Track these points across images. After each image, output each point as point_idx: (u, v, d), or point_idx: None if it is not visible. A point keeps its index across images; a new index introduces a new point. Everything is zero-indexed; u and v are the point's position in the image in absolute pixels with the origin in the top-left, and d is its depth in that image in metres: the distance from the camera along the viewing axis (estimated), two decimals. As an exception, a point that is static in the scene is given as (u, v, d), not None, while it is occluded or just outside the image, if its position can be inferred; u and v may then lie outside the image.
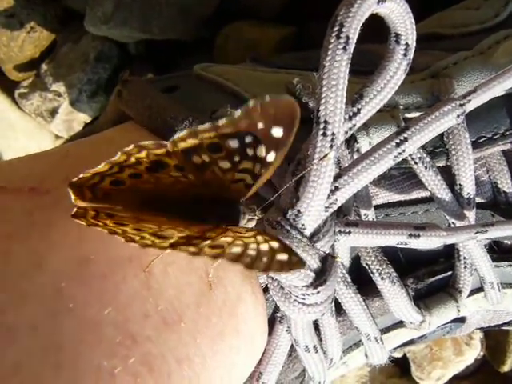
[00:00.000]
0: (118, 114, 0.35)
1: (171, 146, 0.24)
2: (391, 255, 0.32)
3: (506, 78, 0.29)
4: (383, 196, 0.32)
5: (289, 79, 0.32)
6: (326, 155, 0.25)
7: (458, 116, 0.28)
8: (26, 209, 0.26)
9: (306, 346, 0.30)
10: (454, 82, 0.31)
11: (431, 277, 0.34)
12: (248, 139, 0.23)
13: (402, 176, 0.32)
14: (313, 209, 0.26)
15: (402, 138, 0.27)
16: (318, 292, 0.27)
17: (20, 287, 0.23)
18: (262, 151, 0.24)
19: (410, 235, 0.29)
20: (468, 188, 0.31)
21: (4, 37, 0.53)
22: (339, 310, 0.32)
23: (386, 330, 0.34)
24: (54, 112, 0.55)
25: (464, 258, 0.33)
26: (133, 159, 0.24)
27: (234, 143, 0.24)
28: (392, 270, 0.32)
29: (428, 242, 0.30)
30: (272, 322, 0.31)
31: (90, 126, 0.41)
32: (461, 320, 0.37)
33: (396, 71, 0.27)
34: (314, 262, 0.27)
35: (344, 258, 0.31)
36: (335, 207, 0.27)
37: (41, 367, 0.22)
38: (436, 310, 0.33)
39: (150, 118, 0.31)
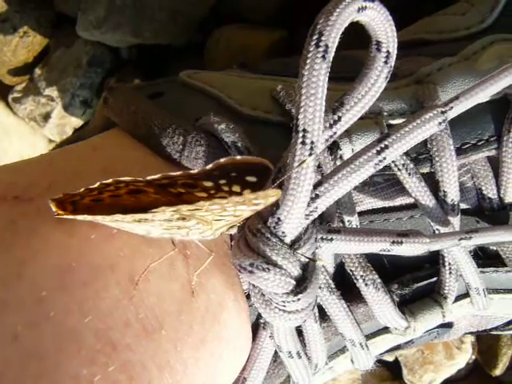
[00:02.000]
0: (105, 120, 0.35)
1: (145, 183, 0.24)
2: (376, 261, 0.32)
3: (488, 85, 0.29)
4: (367, 202, 0.32)
5: (273, 86, 0.32)
6: (303, 162, 0.25)
7: (440, 123, 0.28)
8: (8, 217, 0.26)
9: (289, 352, 0.30)
10: (438, 89, 0.31)
11: (416, 282, 0.34)
12: (222, 181, 0.23)
13: (386, 182, 0.32)
14: (293, 216, 0.26)
15: (382, 146, 0.27)
16: (299, 299, 0.27)
17: (0, 296, 0.23)
18: (237, 188, 0.24)
19: (393, 242, 0.29)
20: (452, 194, 0.31)
21: (-3, 42, 0.53)
22: (323, 315, 0.32)
23: (371, 336, 0.34)
24: (47, 116, 0.55)
25: (449, 263, 0.33)
26: (112, 187, 0.24)
27: (208, 183, 0.23)
28: (376, 276, 0.32)
29: (411, 249, 0.30)
30: (256, 328, 0.31)
31: (78, 133, 0.41)
32: (448, 325, 0.37)
33: (377, 79, 0.27)
34: (294, 270, 0.27)
35: (328, 265, 0.31)
36: (316, 215, 0.27)
37: (21, 377, 0.22)
38: (421, 316, 0.33)
39: (134, 124, 0.31)
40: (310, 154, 0.25)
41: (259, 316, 0.31)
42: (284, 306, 0.27)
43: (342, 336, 0.32)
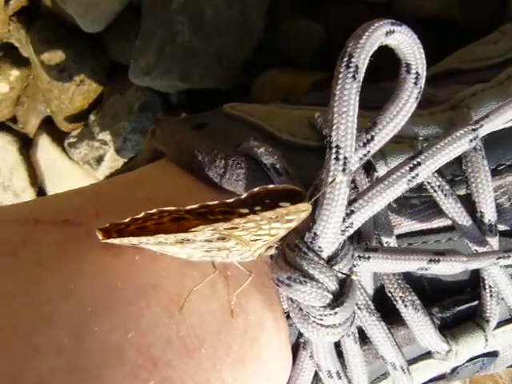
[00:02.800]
0: (152, 152, 0.37)
1: (186, 212, 0.25)
2: (416, 284, 0.33)
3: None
4: (405, 225, 0.32)
5: (312, 114, 0.34)
6: (336, 177, 0.26)
7: (471, 140, 0.29)
8: (58, 240, 0.27)
9: (329, 372, 0.31)
10: (472, 113, 0.32)
11: (457, 306, 0.34)
12: (257, 208, 0.25)
13: (423, 205, 0.32)
14: (328, 231, 0.27)
15: (415, 163, 0.28)
16: (336, 313, 0.27)
17: (48, 312, 0.25)
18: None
19: (430, 260, 0.30)
20: (489, 215, 0.31)
21: (56, 90, 0.56)
22: (364, 338, 0.32)
23: (413, 361, 0.34)
24: (100, 159, 0.58)
25: (489, 286, 0.33)
26: (156, 216, 0.26)
27: (243, 210, 0.25)
28: (415, 297, 0.32)
29: (449, 268, 0.30)
30: (296, 348, 0.32)
31: (128, 165, 0.43)
32: (493, 354, 0.37)
33: (408, 99, 0.28)
34: (331, 284, 0.27)
35: (367, 286, 0.32)
36: (351, 231, 0.28)
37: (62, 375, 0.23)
38: (463, 340, 0.33)
39: (179, 152, 0.33)
40: (344, 170, 0.27)
41: (299, 336, 0.31)
42: (321, 319, 0.27)
43: (382, 359, 0.33)
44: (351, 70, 0.26)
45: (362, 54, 0.26)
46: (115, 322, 0.25)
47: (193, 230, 0.24)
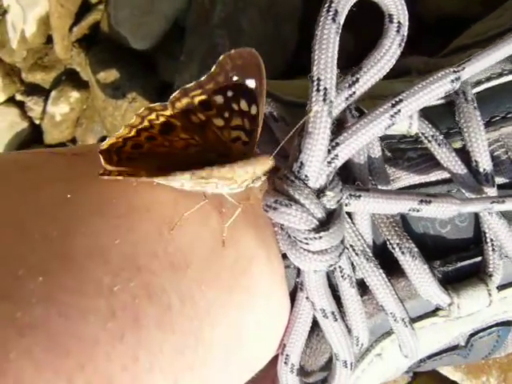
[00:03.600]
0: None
1: (170, 106, 0.28)
2: (418, 240, 0.33)
3: (500, 47, 0.31)
4: (404, 178, 0.33)
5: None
6: (310, 110, 0.28)
7: (453, 81, 0.30)
8: (67, 162, 0.30)
9: (323, 311, 0.31)
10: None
11: (460, 261, 0.34)
12: (229, 93, 0.27)
13: (421, 158, 0.34)
14: (313, 159, 0.29)
15: (397, 100, 0.30)
16: (321, 237, 0.28)
17: (44, 211, 0.27)
18: (244, 105, 0.28)
19: (422, 201, 0.31)
20: (484, 164, 0.32)
21: (110, 107, 0.61)
22: (365, 289, 0.33)
23: (417, 319, 0.34)
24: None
25: (491, 239, 0.33)
26: (146, 122, 0.29)
27: (219, 99, 0.28)
28: (413, 245, 0.32)
29: (440, 209, 0.31)
30: (294, 292, 0.33)
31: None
32: (507, 323, 0.37)
33: (391, 45, 0.30)
34: (317, 211, 0.29)
35: (365, 233, 0.33)
36: (338, 163, 0.30)
37: (47, 259, 0.25)
38: (464, 292, 0.33)
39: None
40: (324, 100, 0.29)
41: (297, 278, 0.32)
42: (307, 243, 0.29)
43: (383, 309, 0.33)
44: (331, 13, 0.29)
45: (342, 0, 0.29)
46: (104, 228, 0.27)
47: (173, 175, 0.27)
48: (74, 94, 0.65)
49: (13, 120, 0.69)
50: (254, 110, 0.28)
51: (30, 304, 0.24)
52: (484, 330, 0.36)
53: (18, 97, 0.68)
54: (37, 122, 0.68)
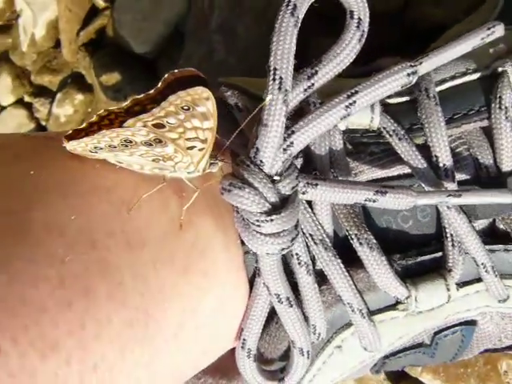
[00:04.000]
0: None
1: (125, 112, 0.29)
2: (379, 233, 0.34)
3: (458, 44, 0.31)
4: (366, 172, 0.34)
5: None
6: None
7: (409, 74, 0.31)
8: (38, 145, 0.32)
9: (278, 295, 0.32)
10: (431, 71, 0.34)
11: (420, 256, 0.34)
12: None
13: (383, 153, 0.34)
14: (268, 145, 0.30)
15: (353, 91, 0.31)
16: (272, 220, 0.29)
17: (7, 187, 0.28)
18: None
19: (377, 191, 0.31)
20: (444, 159, 0.33)
21: (111, 109, 0.63)
22: (324, 278, 0.34)
23: (377, 312, 0.35)
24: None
25: (451, 235, 0.34)
26: (106, 121, 0.29)
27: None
28: (371, 236, 0.33)
29: (396, 201, 0.31)
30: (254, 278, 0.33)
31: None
32: (470, 323, 0.37)
33: (350, 40, 0.31)
34: (270, 195, 0.30)
35: (324, 223, 0.33)
36: (293, 150, 0.31)
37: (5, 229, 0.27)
38: (423, 286, 0.33)
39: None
40: (280, 88, 0.30)
41: (256, 265, 0.33)
42: (259, 225, 0.29)
43: (340, 300, 0.33)
44: (290, 7, 0.30)
45: (300, -6, 0.30)
46: (63, 204, 0.28)
47: (125, 124, 0.28)
48: (79, 97, 0.67)
49: (21, 121, 0.71)
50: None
51: None
52: (448, 328, 0.37)
53: (26, 98, 0.71)
54: (43, 123, 0.70)
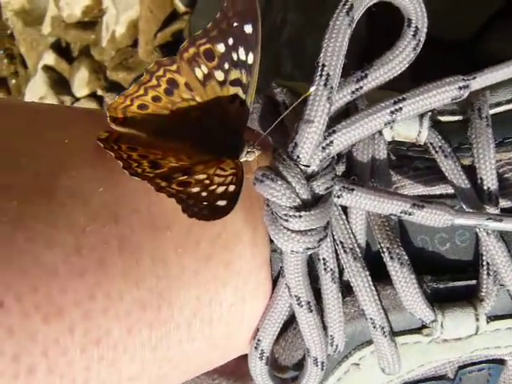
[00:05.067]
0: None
1: (178, 57, 0.30)
2: (414, 254, 0.33)
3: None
4: (408, 187, 0.33)
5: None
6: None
7: (461, 88, 0.30)
8: (77, 116, 0.33)
9: (299, 298, 0.31)
10: (487, 91, 0.33)
11: (453, 281, 0.33)
12: (230, 41, 0.29)
13: (427, 170, 0.33)
14: (307, 141, 0.29)
15: (400, 98, 0.30)
16: (301, 216, 0.29)
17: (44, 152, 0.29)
18: (242, 53, 0.29)
19: (414, 204, 0.30)
20: (489, 182, 0.31)
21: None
22: (350, 290, 0.33)
23: (400, 333, 0.33)
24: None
25: (487, 263, 0.32)
26: (154, 80, 0.31)
27: (221, 47, 0.29)
28: (403, 252, 0.32)
29: (433, 217, 0.30)
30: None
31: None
32: (499, 362, 0.35)
33: (405, 48, 0.31)
34: (303, 191, 0.29)
35: (357, 232, 0.32)
36: (332, 150, 0.30)
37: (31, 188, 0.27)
38: (450, 312, 0.32)
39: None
40: (325, 84, 0.29)
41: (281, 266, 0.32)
42: (286, 220, 0.29)
43: (363, 314, 0.32)
44: (346, 7, 0.30)
45: (359, -4, 0.30)
46: (92, 176, 0.28)
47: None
48: (147, 96, 0.68)
49: (91, 113, 0.73)
50: (250, 59, 0.30)
51: (0, 221, 0.25)
52: (474, 364, 0.35)
53: (99, 92, 0.73)
54: (111, 117, 0.72)
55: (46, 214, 0.26)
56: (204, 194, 0.27)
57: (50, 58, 0.77)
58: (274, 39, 0.58)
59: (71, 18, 0.75)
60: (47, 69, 0.77)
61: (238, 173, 0.28)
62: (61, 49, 0.77)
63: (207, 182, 0.28)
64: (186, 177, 0.28)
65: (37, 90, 0.77)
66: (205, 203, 0.26)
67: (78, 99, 0.75)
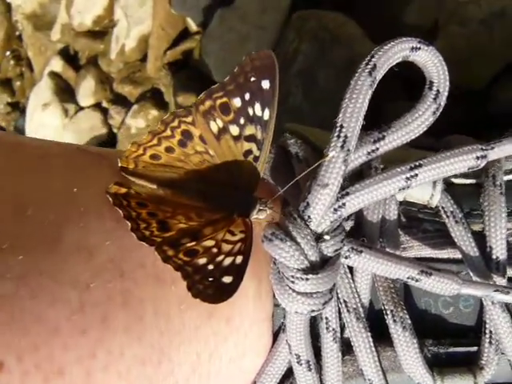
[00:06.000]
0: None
1: (194, 109, 0.30)
2: (417, 314, 0.33)
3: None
4: (416, 248, 0.33)
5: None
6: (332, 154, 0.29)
7: (478, 158, 0.30)
8: (88, 161, 0.31)
9: (298, 356, 0.31)
10: (503, 157, 0.33)
11: (454, 346, 0.33)
12: (247, 96, 0.29)
13: (437, 232, 0.33)
14: (319, 202, 0.29)
15: (416, 164, 0.30)
16: (307, 279, 0.28)
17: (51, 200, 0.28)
18: (258, 109, 0.29)
19: (422, 271, 0.30)
20: (498, 251, 0.31)
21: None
22: (350, 351, 0.32)
23: (397, 396, 0.33)
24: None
25: (490, 332, 0.32)
26: (168, 131, 0.30)
27: (237, 101, 0.29)
28: (407, 316, 0.32)
29: (439, 285, 0.30)
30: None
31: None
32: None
33: (424, 111, 0.30)
34: (311, 253, 0.29)
35: (362, 292, 0.32)
36: (344, 212, 0.30)
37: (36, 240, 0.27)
38: (450, 378, 0.32)
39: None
40: (342, 147, 0.29)
41: (283, 320, 0.32)
42: (293, 282, 0.29)
43: (362, 374, 0.32)
44: (369, 67, 0.30)
45: (383, 58, 0.30)
46: (98, 227, 0.28)
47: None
48: (153, 112, 0.68)
49: (94, 124, 0.73)
50: (266, 115, 0.30)
51: (4, 278, 0.25)
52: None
53: (104, 104, 0.73)
54: (115, 130, 0.72)
55: (51, 268, 0.26)
56: (210, 267, 0.26)
57: (57, 65, 0.76)
58: (285, 69, 0.58)
59: (81, 27, 0.74)
60: (53, 75, 0.76)
61: (247, 239, 0.28)
62: (69, 56, 0.77)
63: (215, 250, 0.27)
64: (193, 243, 0.27)
65: (41, 96, 0.76)
66: (210, 279, 0.26)
67: (82, 108, 0.75)
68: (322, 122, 0.56)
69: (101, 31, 0.75)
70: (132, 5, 0.69)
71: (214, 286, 0.26)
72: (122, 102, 0.71)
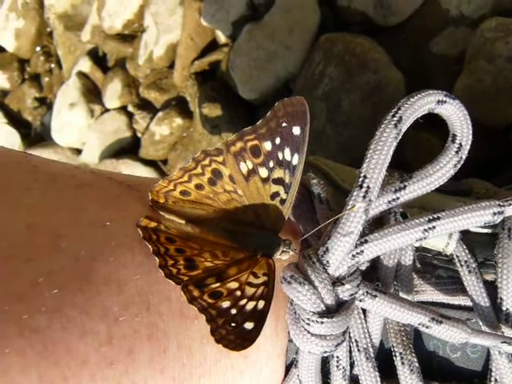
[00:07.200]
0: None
1: (225, 147, 0.31)
2: (424, 357, 0.34)
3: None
4: (428, 293, 0.34)
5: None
6: (354, 204, 0.30)
7: (495, 214, 0.31)
8: (120, 193, 0.32)
9: (309, 392, 0.32)
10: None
11: (461, 391, 0.34)
12: (277, 140, 0.30)
13: (450, 279, 0.34)
14: (339, 248, 0.30)
15: (435, 216, 0.31)
16: (322, 322, 0.30)
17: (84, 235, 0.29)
18: (287, 154, 0.30)
19: (433, 319, 0.31)
20: (508, 303, 0.32)
21: (204, 142, 0.65)
22: (358, 385, 0.34)
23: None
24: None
25: (495, 380, 0.33)
26: (199, 168, 0.31)
27: (267, 145, 0.30)
28: (415, 359, 0.33)
29: (449, 333, 0.31)
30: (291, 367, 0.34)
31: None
32: None
33: (446, 164, 0.31)
34: (328, 297, 0.30)
35: (373, 333, 0.33)
36: (362, 259, 0.31)
37: (70, 274, 0.28)
38: (452, 424, 0.33)
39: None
40: (364, 197, 0.30)
41: (296, 354, 0.33)
42: (308, 324, 0.30)
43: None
44: (395, 119, 0.30)
45: (409, 110, 0.30)
46: (129, 261, 0.29)
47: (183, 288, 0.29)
48: (178, 121, 0.69)
49: (119, 127, 0.74)
50: (295, 161, 0.31)
51: (39, 311, 0.26)
52: None
53: (130, 108, 0.74)
54: (139, 135, 0.73)
55: (82, 301, 0.27)
56: (233, 311, 0.27)
57: (85, 65, 0.78)
58: (310, 90, 0.58)
59: (111, 30, 0.76)
60: (81, 76, 0.77)
61: (269, 283, 0.29)
62: (97, 57, 0.78)
63: (238, 293, 0.28)
64: (218, 284, 0.28)
65: (69, 95, 0.78)
66: (233, 325, 0.27)
67: (107, 110, 0.76)
68: (345, 145, 0.57)
69: (130, 35, 0.76)
70: (162, 13, 0.70)
71: (235, 332, 0.27)
72: (147, 107, 0.73)
